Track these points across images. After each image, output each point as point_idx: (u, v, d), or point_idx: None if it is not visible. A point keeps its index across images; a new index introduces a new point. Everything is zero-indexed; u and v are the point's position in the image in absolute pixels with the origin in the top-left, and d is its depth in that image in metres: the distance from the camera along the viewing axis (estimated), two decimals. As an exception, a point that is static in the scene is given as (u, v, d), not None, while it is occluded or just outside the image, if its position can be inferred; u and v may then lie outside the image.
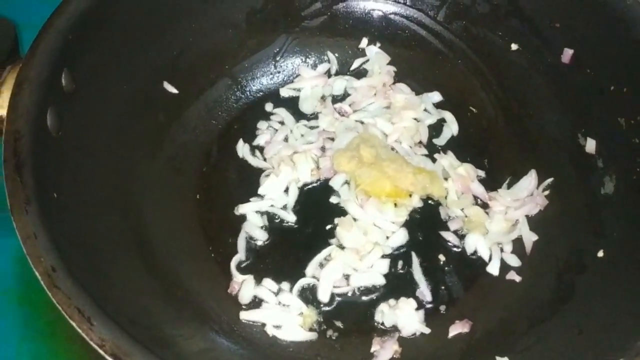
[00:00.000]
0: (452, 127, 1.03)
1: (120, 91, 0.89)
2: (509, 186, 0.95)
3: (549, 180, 0.93)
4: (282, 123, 1.02)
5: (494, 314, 0.84)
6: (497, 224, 0.91)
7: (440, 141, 1.02)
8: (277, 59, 1.07)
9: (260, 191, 0.94)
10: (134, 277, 0.77)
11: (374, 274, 0.87)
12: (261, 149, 1.00)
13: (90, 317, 0.58)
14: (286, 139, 1.00)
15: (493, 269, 0.88)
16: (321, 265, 0.87)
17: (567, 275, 0.83)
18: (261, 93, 1.06)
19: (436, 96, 1.05)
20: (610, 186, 0.86)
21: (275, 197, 0.93)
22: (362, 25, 1.08)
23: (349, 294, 0.86)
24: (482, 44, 1.04)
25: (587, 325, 0.74)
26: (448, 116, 1.03)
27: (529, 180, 0.94)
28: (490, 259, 0.89)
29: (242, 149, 0.99)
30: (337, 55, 1.08)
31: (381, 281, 0.87)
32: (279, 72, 1.07)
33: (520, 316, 0.82)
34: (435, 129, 1.03)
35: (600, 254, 0.81)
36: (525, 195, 0.93)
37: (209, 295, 0.84)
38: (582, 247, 0.84)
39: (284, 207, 0.93)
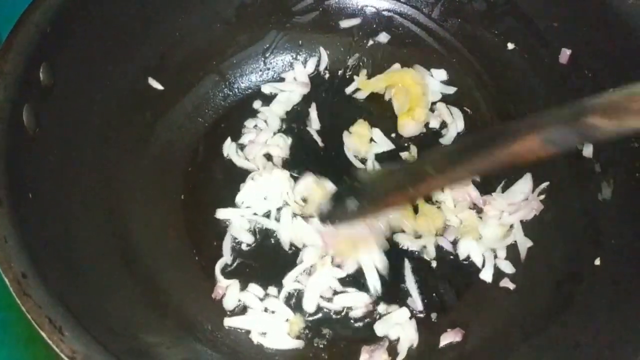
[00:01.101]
0: (457, 124, 0.99)
1: (103, 87, 0.86)
2: (503, 190, 0.92)
3: (545, 184, 0.90)
4: (267, 123, 0.99)
5: (487, 323, 0.81)
6: (490, 229, 0.88)
7: (446, 140, 0.98)
8: (267, 55, 1.04)
9: (238, 198, 0.90)
10: (114, 282, 0.74)
11: (360, 294, 0.83)
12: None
13: (62, 327, 0.55)
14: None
15: (486, 275, 0.85)
16: (309, 273, 0.85)
17: (564, 284, 0.80)
18: (250, 90, 1.02)
19: (443, 74, 1.03)
20: (608, 192, 0.83)
21: (254, 205, 0.90)
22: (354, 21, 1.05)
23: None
24: (477, 43, 1.01)
25: (584, 338, 0.71)
26: (455, 111, 1.00)
27: (524, 183, 0.91)
28: (483, 265, 0.86)
29: (229, 147, 0.95)
30: (328, 52, 1.05)
31: (368, 300, 0.83)
32: (268, 69, 1.04)
33: (514, 326, 0.79)
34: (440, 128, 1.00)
35: (597, 262, 0.78)
36: (521, 200, 0.90)
37: (192, 301, 0.81)
38: (578, 255, 0.81)
39: (267, 214, 0.90)
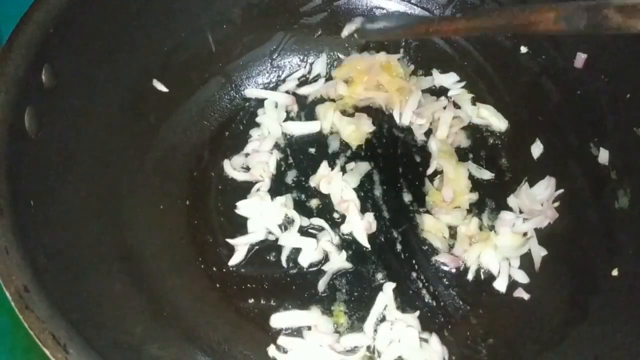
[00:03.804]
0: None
1: (107, 89, 0.83)
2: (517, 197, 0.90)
3: (559, 191, 0.88)
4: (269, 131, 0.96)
5: (500, 334, 0.79)
6: (504, 238, 0.86)
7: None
8: (274, 57, 1.02)
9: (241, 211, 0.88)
10: (119, 294, 0.72)
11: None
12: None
13: (66, 345, 0.53)
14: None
15: (500, 285, 0.83)
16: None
17: (579, 295, 0.78)
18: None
19: (451, 77, 1.01)
20: (625, 200, 0.82)
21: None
22: (364, 23, 1.03)
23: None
24: (490, 46, 0.99)
25: (602, 351, 0.70)
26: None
27: (546, 185, 0.88)
28: (497, 274, 0.84)
29: (228, 167, 0.92)
30: (337, 54, 1.03)
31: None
32: (275, 71, 1.02)
33: (528, 338, 0.77)
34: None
35: (615, 272, 0.77)
36: (540, 201, 0.88)
37: (198, 311, 0.79)
38: (594, 265, 0.79)
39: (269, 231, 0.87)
